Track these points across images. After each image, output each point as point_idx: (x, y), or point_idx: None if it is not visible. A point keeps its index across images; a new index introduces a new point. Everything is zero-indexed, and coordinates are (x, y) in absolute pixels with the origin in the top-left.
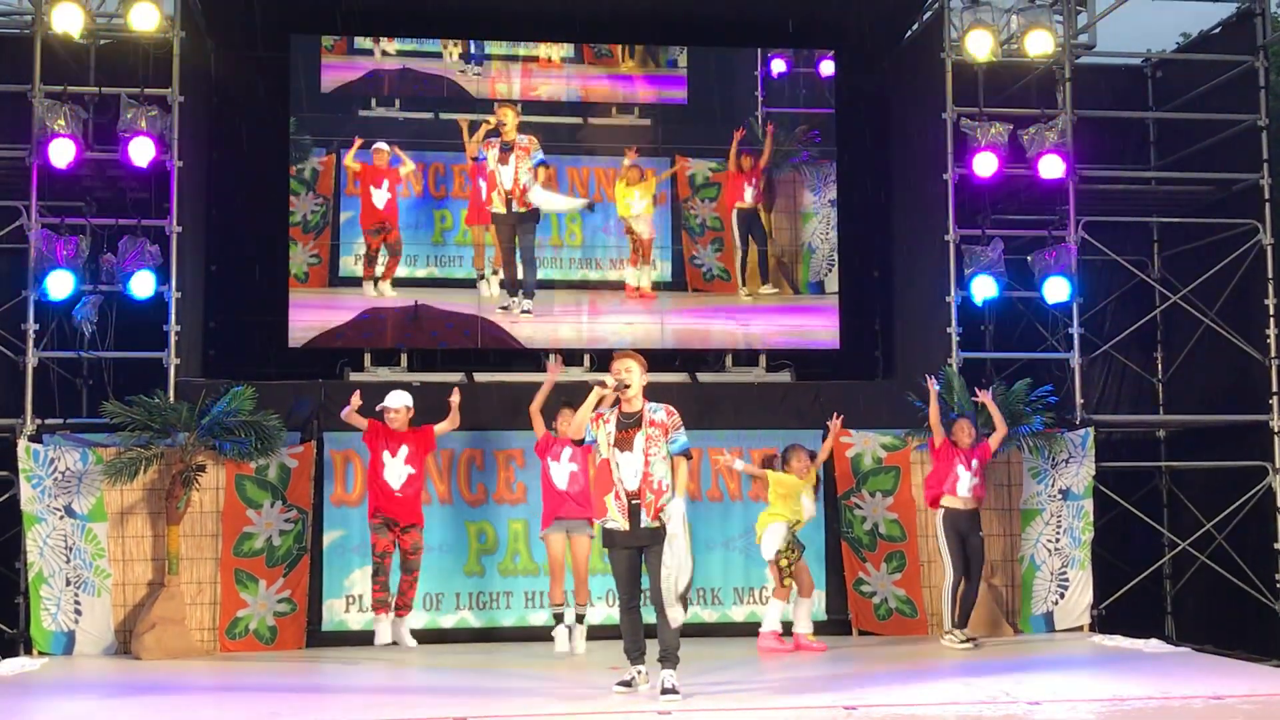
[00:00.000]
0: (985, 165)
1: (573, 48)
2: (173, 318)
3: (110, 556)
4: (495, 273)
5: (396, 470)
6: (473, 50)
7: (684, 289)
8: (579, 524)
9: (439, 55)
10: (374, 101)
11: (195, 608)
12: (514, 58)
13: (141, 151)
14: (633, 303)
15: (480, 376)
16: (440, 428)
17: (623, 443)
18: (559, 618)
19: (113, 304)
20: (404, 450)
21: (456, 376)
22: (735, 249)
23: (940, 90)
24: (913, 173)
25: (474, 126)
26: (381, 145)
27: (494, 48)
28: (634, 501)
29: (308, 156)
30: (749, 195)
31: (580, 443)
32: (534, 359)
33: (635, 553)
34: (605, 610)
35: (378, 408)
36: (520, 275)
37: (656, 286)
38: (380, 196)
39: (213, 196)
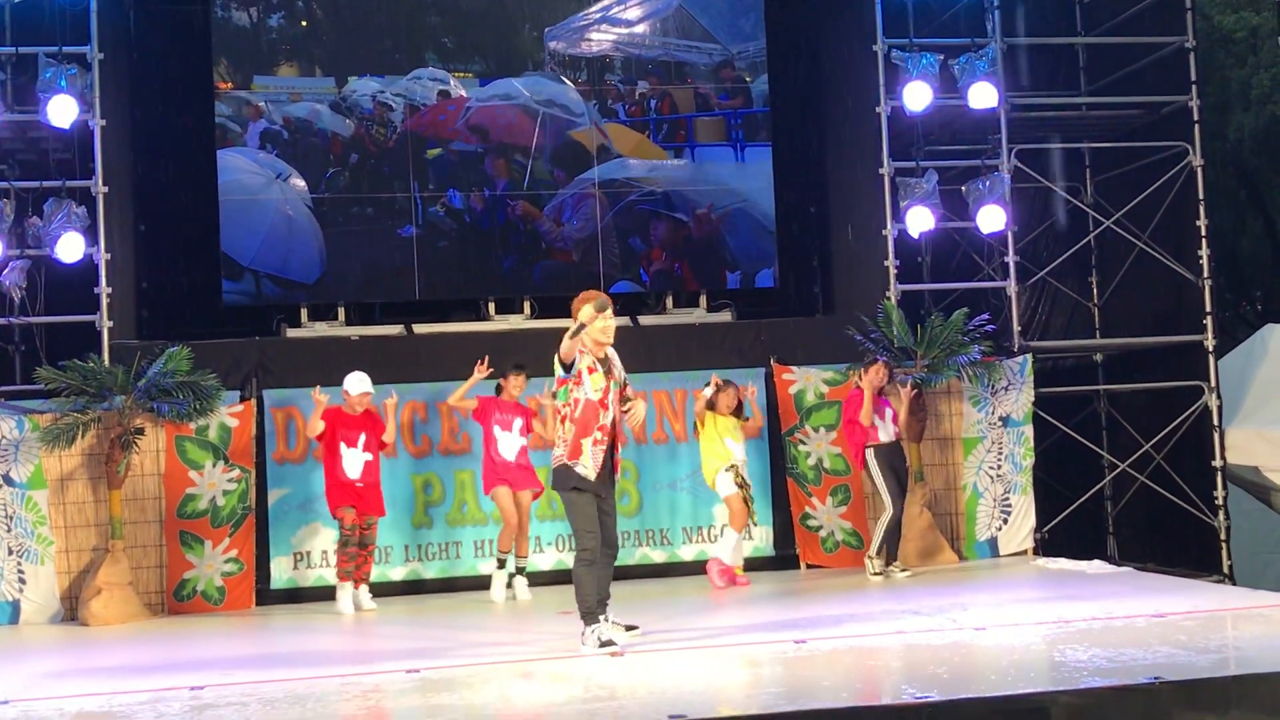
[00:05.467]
0: (917, 97)
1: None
2: (103, 279)
3: (52, 524)
4: None
5: (355, 460)
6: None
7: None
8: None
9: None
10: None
11: (141, 571)
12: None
13: (62, 111)
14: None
15: (420, 328)
16: (387, 437)
17: (606, 391)
18: (502, 563)
19: (41, 268)
20: (362, 438)
21: (396, 329)
22: None
23: (870, 22)
24: (845, 107)
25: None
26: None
27: None
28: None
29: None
30: None
31: (567, 369)
32: (474, 308)
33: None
34: (555, 555)
35: (345, 391)
36: None
37: None
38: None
39: (139, 155)
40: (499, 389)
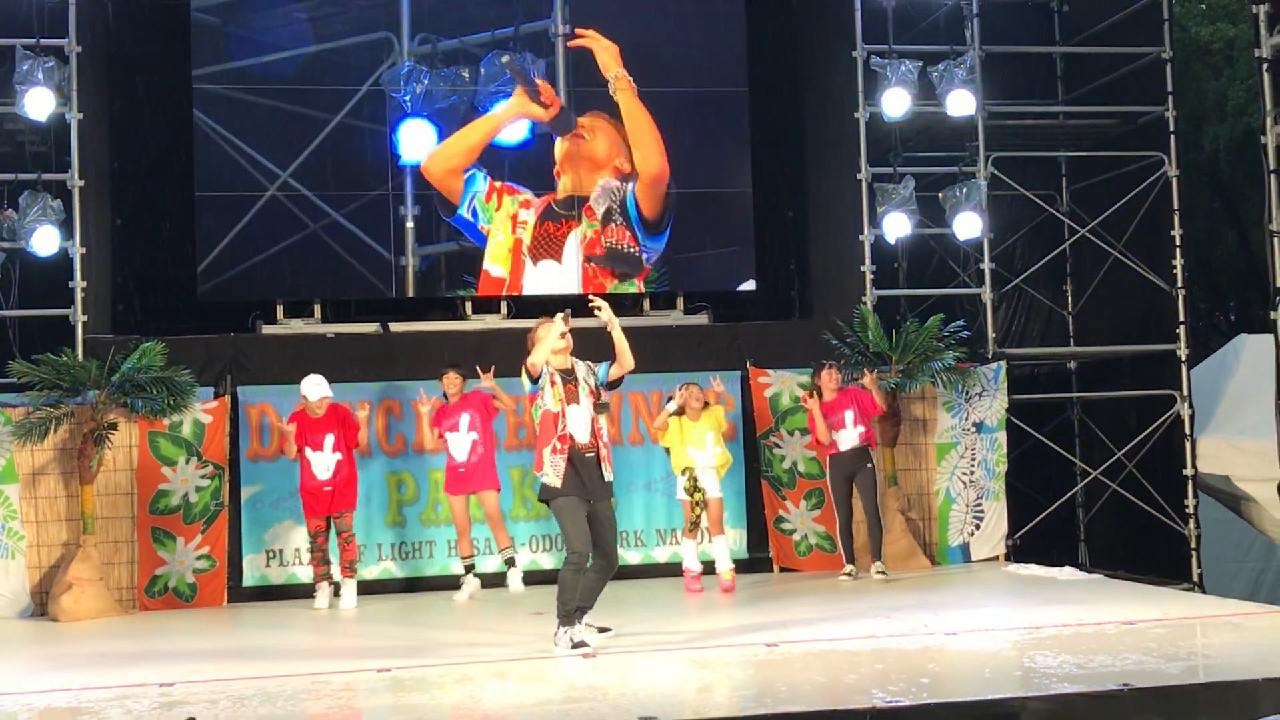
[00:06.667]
0: (895, 103)
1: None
2: (78, 274)
3: (23, 518)
4: None
5: (324, 462)
6: None
7: None
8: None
9: None
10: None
11: (113, 567)
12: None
13: (39, 104)
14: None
15: (396, 326)
16: (361, 438)
17: (570, 396)
18: (469, 569)
19: (16, 261)
20: (329, 440)
21: (371, 327)
22: None
23: (850, 28)
24: (824, 112)
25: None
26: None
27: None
28: (588, 454)
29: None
30: None
31: (534, 380)
32: (450, 306)
33: (585, 503)
34: (529, 556)
35: (304, 395)
36: None
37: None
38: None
39: (116, 149)
40: (445, 395)
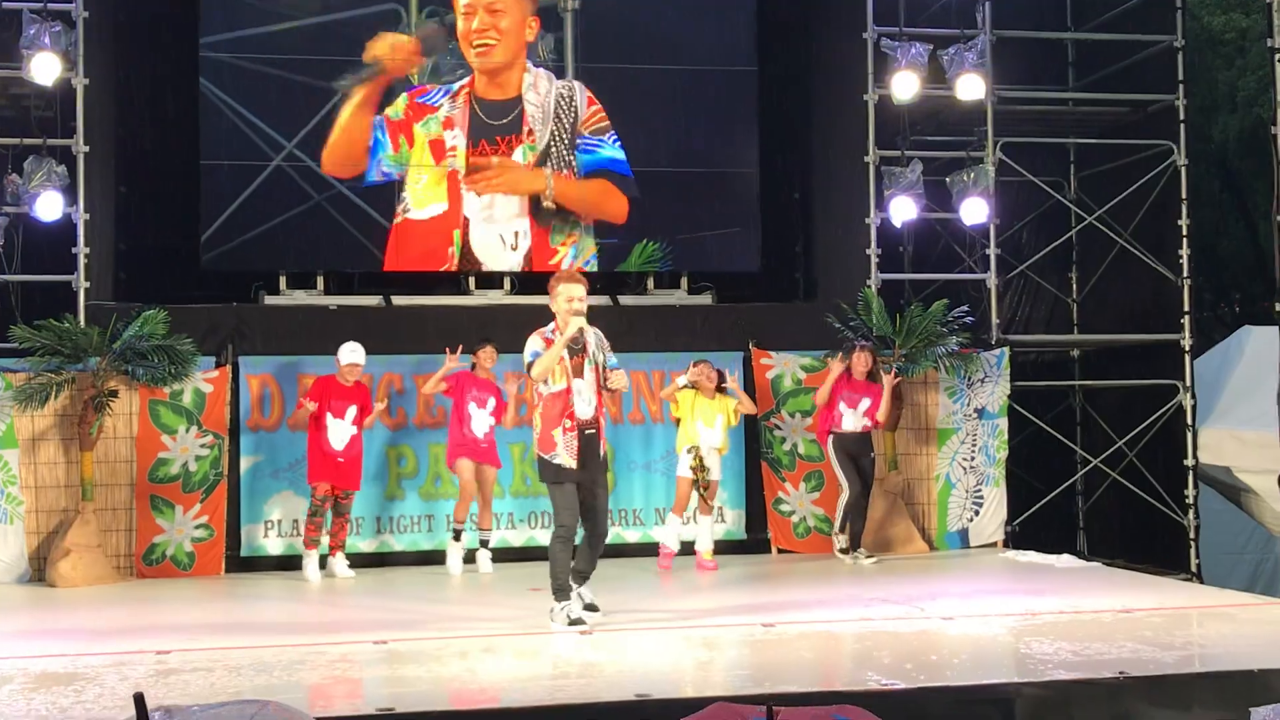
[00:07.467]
0: (905, 86)
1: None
2: (81, 240)
3: (22, 483)
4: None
5: (341, 432)
6: None
7: None
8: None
9: None
10: None
11: (111, 534)
12: None
13: (45, 68)
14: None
15: (398, 299)
16: (367, 423)
17: (576, 369)
18: (458, 534)
19: (19, 226)
20: (351, 411)
21: (374, 300)
22: None
23: (861, 9)
24: (833, 93)
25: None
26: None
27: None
28: (588, 431)
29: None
30: None
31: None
32: (454, 281)
33: (578, 486)
34: (528, 532)
35: (338, 359)
36: None
37: None
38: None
39: (121, 115)
40: (473, 365)
